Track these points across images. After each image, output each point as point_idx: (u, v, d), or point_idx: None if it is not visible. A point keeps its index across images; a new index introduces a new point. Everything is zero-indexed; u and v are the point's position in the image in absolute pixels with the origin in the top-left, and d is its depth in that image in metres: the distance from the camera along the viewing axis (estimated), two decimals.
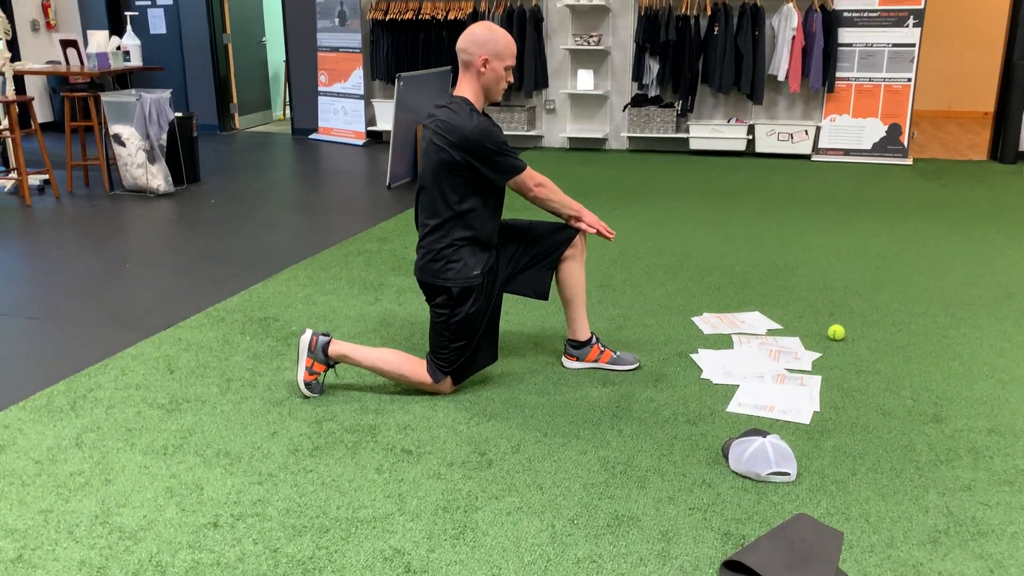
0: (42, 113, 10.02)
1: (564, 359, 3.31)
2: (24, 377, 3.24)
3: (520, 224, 3.14)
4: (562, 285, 3.18)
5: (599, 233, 3.08)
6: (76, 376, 3.23)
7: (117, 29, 9.95)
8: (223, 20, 9.90)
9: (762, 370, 3.26)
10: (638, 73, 8.16)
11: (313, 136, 9.43)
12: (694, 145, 8.27)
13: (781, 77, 7.82)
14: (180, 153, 6.72)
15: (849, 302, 4.04)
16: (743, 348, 3.48)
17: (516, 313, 3.91)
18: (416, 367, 3.01)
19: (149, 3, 9.75)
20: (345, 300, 4.10)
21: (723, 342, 3.55)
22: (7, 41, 6.61)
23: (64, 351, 3.49)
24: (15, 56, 9.42)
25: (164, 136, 6.42)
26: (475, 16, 8.43)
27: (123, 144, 6.34)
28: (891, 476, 2.51)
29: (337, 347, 3.00)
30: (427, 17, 8.52)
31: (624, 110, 8.51)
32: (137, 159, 6.37)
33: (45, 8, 9.84)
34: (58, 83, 9.81)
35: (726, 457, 2.59)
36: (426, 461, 2.61)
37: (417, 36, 8.70)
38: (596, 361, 3.26)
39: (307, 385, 3.02)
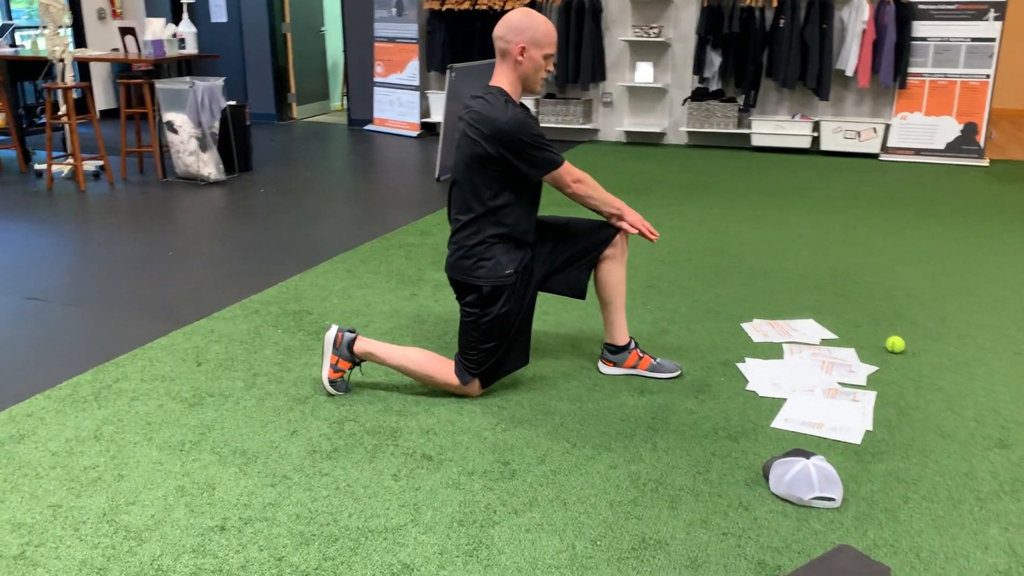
0: (107, 100, 10.20)
1: (600, 364, 3.15)
2: (53, 365, 3.22)
3: (557, 221, 2.99)
4: (600, 286, 3.02)
5: (641, 234, 2.91)
6: (104, 365, 3.20)
7: (180, 17, 10.05)
8: (283, 9, 9.93)
9: (813, 383, 3.05)
10: (699, 66, 7.90)
11: (368, 127, 9.39)
12: (756, 141, 7.98)
13: (849, 72, 7.48)
14: (232, 141, 6.72)
15: (911, 312, 3.79)
16: (794, 359, 3.27)
17: (554, 312, 3.76)
18: (443, 368, 2.89)
19: None
20: (381, 295, 4.00)
21: (773, 351, 3.35)
22: (70, 28, 6.69)
23: (96, 339, 3.47)
24: (81, 43, 9.60)
25: (216, 124, 6.43)
26: (533, 7, 8.27)
27: (175, 131, 6.37)
28: (948, 507, 2.30)
29: (363, 344, 2.90)
30: (484, 7, 8.39)
31: (684, 104, 8.26)
32: (189, 147, 6.39)
33: None
34: (122, 71, 9.96)
35: (766, 478, 2.40)
36: (446, 469, 2.48)
37: (473, 26, 8.59)
38: (634, 367, 3.10)
39: (332, 383, 2.93)
